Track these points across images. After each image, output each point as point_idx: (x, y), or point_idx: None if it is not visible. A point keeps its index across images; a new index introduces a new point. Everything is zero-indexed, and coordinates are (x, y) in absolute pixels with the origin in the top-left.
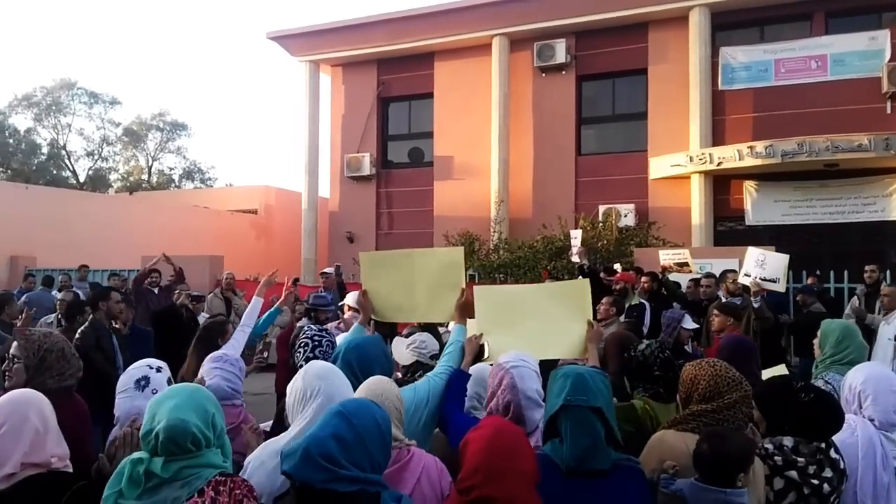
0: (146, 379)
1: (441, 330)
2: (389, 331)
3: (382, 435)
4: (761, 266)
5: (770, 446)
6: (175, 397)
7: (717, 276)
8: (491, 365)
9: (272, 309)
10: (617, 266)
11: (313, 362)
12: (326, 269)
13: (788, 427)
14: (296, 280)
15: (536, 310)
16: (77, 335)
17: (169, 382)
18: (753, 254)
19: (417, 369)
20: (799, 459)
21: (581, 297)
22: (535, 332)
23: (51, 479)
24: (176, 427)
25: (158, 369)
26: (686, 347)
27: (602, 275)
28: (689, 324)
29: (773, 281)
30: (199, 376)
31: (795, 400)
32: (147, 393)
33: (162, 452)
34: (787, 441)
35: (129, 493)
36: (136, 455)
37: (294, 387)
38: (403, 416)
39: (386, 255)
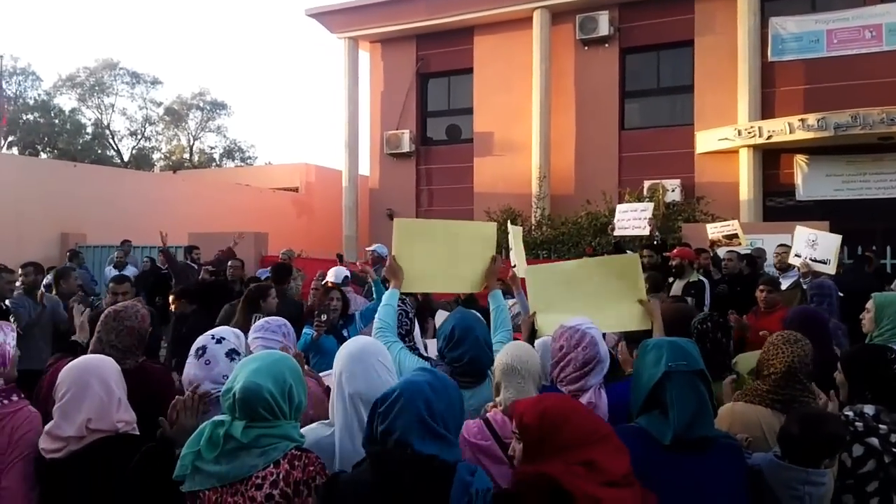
0: (203, 348)
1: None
2: (430, 309)
3: (461, 402)
4: (812, 246)
5: (851, 413)
6: (258, 361)
7: (750, 254)
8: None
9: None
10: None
11: (350, 341)
12: (371, 247)
13: (871, 394)
14: (340, 256)
15: (588, 286)
16: None
17: (228, 355)
18: (803, 233)
19: None
20: (881, 427)
21: (633, 273)
22: (589, 308)
23: (120, 441)
24: (249, 389)
25: (220, 340)
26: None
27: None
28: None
29: (824, 262)
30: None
31: (884, 367)
32: (201, 362)
33: (238, 414)
34: (869, 409)
35: (206, 454)
36: (218, 417)
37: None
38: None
39: (420, 223)
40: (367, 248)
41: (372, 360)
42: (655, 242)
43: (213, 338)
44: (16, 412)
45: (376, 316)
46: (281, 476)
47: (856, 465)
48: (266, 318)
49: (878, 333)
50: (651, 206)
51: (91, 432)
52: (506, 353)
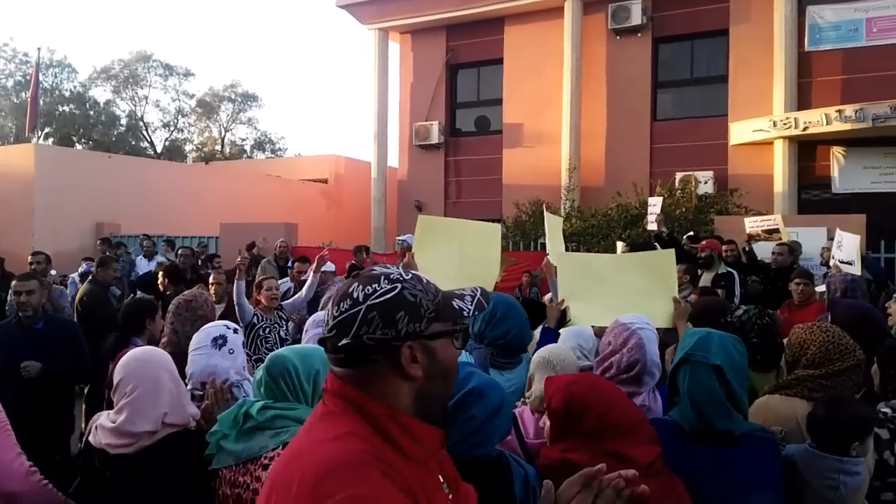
0: (223, 338)
1: None
2: None
3: (507, 412)
4: (839, 247)
5: (888, 410)
6: (297, 346)
7: (789, 246)
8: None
9: None
10: (690, 234)
11: None
12: (401, 237)
13: None
14: (367, 248)
15: (620, 279)
16: None
17: (243, 346)
18: (838, 236)
19: None
20: None
21: (666, 270)
22: (619, 302)
23: (191, 436)
24: (275, 358)
25: (235, 330)
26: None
27: (684, 242)
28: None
29: (850, 263)
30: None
31: None
32: (224, 352)
33: (263, 390)
34: None
35: (229, 433)
36: (249, 399)
37: None
38: None
39: (441, 221)
40: (398, 238)
41: None
42: (665, 237)
43: (228, 328)
44: None
45: None
46: None
47: None
48: (325, 312)
49: None
50: (660, 200)
51: (165, 426)
52: (545, 348)
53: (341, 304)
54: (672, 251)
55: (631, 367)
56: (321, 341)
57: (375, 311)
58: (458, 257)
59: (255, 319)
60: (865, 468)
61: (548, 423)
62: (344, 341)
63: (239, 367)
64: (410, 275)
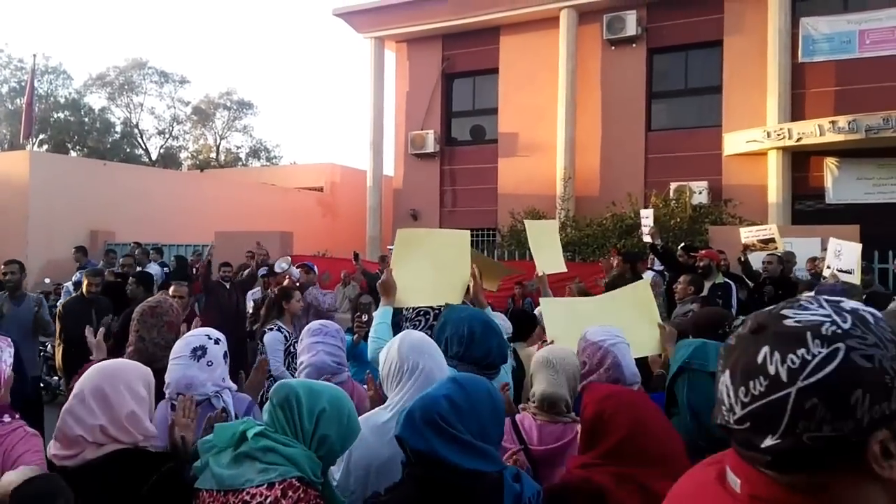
0: (203, 349)
1: None
2: None
3: (495, 407)
4: (838, 257)
5: None
6: (308, 379)
7: (781, 255)
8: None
9: None
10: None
11: (410, 332)
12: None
13: None
14: (356, 255)
15: (605, 318)
16: None
17: (225, 357)
18: (833, 244)
19: None
20: None
21: (645, 299)
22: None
23: (140, 455)
24: (281, 386)
25: (217, 341)
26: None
27: (679, 253)
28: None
29: (849, 272)
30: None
31: None
32: (202, 364)
33: (267, 416)
34: None
35: (223, 450)
36: (252, 420)
37: (389, 356)
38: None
39: (417, 233)
40: (389, 247)
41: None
42: (660, 248)
43: (210, 338)
44: (9, 433)
45: (370, 335)
46: (269, 501)
47: None
48: (322, 322)
49: None
50: (651, 212)
51: (111, 441)
52: (546, 348)
53: (751, 381)
54: (646, 281)
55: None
56: (724, 428)
57: (816, 398)
58: (431, 269)
59: (285, 335)
60: None
61: (580, 431)
62: (770, 442)
63: (217, 379)
64: (849, 319)
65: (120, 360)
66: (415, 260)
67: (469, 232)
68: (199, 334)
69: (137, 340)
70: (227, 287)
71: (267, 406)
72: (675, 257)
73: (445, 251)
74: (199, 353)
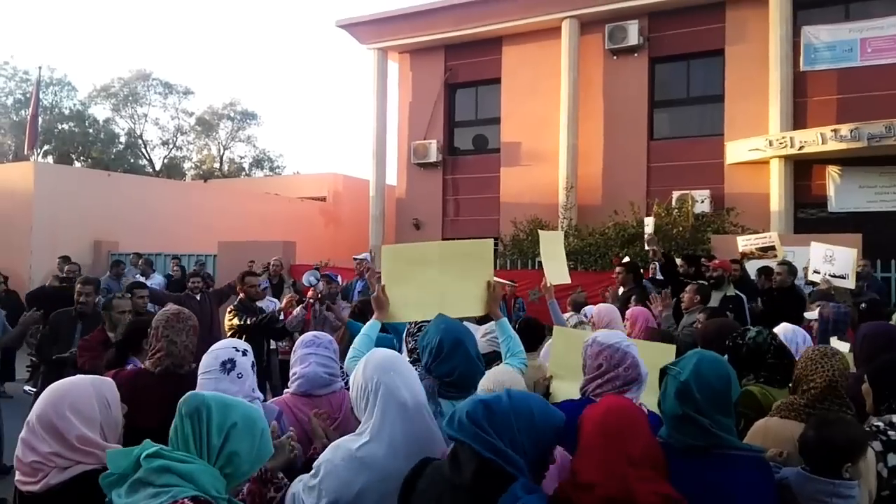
0: (232, 362)
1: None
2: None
3: (535, 423)
4: (830, 262)
5: (880, 423)
6: (221, 394)
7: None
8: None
9: None
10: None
11: (376, 350)
12: (359, 255)
13: None
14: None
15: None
16: None
17: (252, 367)
18: (819, 249)
19: (494, 359)
20: None
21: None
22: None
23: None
24: (191, 397)
25: (244, 352)
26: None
27: (680, 263)
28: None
29: (843, 277)
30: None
31: None
32: (232, 377)
33: (172, 431)
34: None
35: (126, 477)
36: (148, 442)
37: (355, 380)
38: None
39: (412, 247)
40: (354, 256)
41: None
42: (659, 259)
43: (237, 350)
44: None
45: (351, 346)
46: None
47: (892, 474)
48: (314, 333)
49: None
50: (652, 220)
51: (74, 463)
52: (488, 378)
53: None
54: (490, 241)
55: (628, 383)
56: None
57: None
58: (440, 282)
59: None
60: (859, 491)
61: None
62: None
63: (247, 391)
64: None
65: (71, 379)
66: (415, 275)
67: (493, 240)
68: (226, 347)
69: (169, 344)
70: (198, 298)
71: (175, 418)
72: (675, 266)
73: (464, 262)
74: (228, 366)
